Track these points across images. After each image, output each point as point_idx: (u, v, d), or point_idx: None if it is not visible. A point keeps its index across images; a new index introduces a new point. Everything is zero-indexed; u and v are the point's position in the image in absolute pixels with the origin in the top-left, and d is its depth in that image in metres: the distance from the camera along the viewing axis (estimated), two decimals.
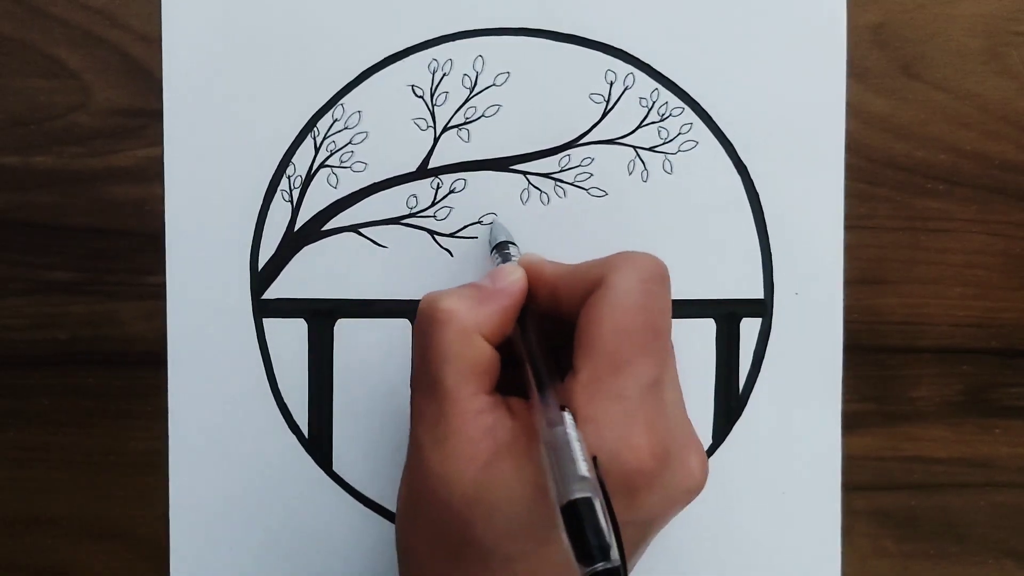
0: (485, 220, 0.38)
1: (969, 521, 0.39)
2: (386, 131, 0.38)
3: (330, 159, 0.38)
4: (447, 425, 0.29)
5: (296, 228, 0.38)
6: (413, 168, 0.38)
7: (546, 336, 0.31)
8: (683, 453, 0.29)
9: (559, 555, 0.25)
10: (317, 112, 0.38)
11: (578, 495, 0.24)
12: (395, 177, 0.38)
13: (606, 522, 0.24)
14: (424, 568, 0.30)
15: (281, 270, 0.38)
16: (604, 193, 0.38)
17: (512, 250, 0.35)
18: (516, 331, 0.31)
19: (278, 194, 0.38)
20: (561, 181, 0.38)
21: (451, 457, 0.29)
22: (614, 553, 0.23)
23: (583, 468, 0.25)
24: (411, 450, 0.31)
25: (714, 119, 0.38)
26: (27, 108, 0.38)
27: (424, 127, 0.38)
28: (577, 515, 0.24)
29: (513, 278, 0.31)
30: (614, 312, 0.29)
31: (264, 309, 0.38)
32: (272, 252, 0.38)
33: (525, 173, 0.38)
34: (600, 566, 0.23)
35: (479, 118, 0.38)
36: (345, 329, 0.38)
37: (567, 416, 0.27)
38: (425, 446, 0.29)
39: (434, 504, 0.29)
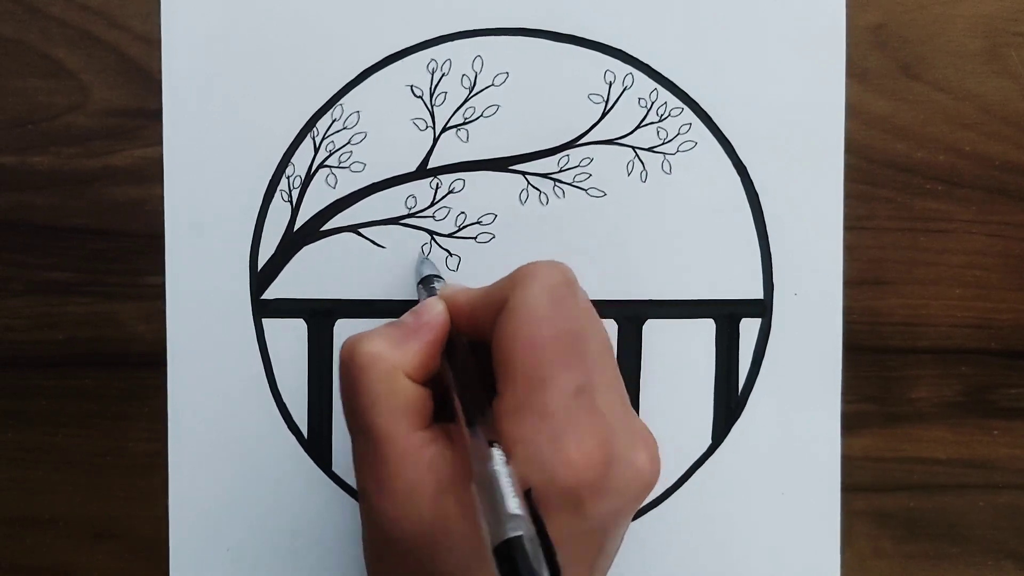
0: (485, 219, 0.38)
1: (969, 522, 0.39)
2: (385, 131, 0.38)
3: (329, 159, 0.38)
4: (387, 468, 0.29)
5: (295, 228, 0.38)
6: (412, 168, 0.38)
7: (481, 363, 0.30)
8: (628, 453, 0.29)
9: None
10: (316, 112, 0.38)
11: (509, 535, 0.24)
12: (394, 177, 0.38)
13: (538, 558, 0.23)
14: None
15: (280, 270, 0.38)
16: (603, 193, 0.38)
17: (438, 284, 0.35)
18: (444, 364, 0.31)
19: (277, 194, 0.38)
20: (560, 181, 0.38)
21: (398, 498, 0.28)
22: None
23: (512, 505, 0.24)
24: (359, 497, 0.30)
25: (713, 119, 0.38)
26: (26, 108, 0.38)
27: (423, 127, 0.38)
28: (510, 555, 0.23)
29: (434, 312, 0.31)
30: (522, 329, 0.28)
31: (264, 309, 0.38)
32: (272, 252, 0.38)
33: (524, 173, 0.38)
34: None
35: (478, 118, 0.38)
36: (345, 329, 0.38)
37: (495, 452, 0.26)
38: (370, 491, 0.29)
39: (393, 547, 0.29)
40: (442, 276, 0.36)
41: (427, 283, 0.35)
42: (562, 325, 0.29)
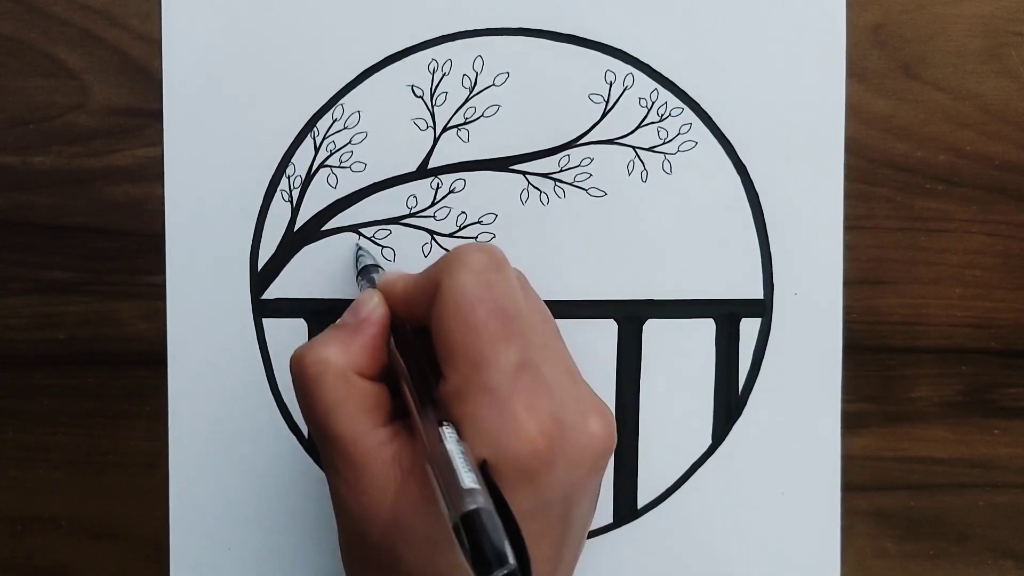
0: (485, 219, 0.38)
1: (969, 522, 0.39)
2: (386, 131, 0.38)
3: (330, 159, 0.38)
4: (354, 468, 0.29)
5: (296, 228, 0.38)
6: (413, 168, 0.38)
7: (427, 349, 0.30)
8: (579, 421, 0.29)
9: None
10: (317, 112, 0.38)
11: (467, 508, 0.24)
12: (395, 177, 0.38)
13: (496, 528, 0.24)
14: None
15: (281, 270, 0.38)
16: (603, 193, 0.38)
17: (377, 274, 0.35)
18: (392, 354, 0.31)
19: (278, 194, 0.38)
20: (560, 181, 0.38)
21: (364, 496, 0.29)
22: (510, 556, 0.23)
23: (467, 480, 0.25)
24: (333, 500, 0.31)
25: (714, 119, 0.38)
26: (26, 108, 0.38)
27: (424, 127, 0.38)
28: (471, 528, 0.23)
29: (371, 306, 0.31)
30: (456, 314, 0.29)
31: (264, 309, 0.38)
32: (272, 252, 0.38)
33: (524, 173, 0.38)
34: (497, 573, 0.23)
35: (478, 118, 0.38)
36: None
37: (445, 431, 0.27)
38: (341, 493, 0.30)
39: (364, 546, 0.30)
40: (380, 265, 0.36)
41: (366, 274, 0.35)
42: (493, 304, 0.29)
